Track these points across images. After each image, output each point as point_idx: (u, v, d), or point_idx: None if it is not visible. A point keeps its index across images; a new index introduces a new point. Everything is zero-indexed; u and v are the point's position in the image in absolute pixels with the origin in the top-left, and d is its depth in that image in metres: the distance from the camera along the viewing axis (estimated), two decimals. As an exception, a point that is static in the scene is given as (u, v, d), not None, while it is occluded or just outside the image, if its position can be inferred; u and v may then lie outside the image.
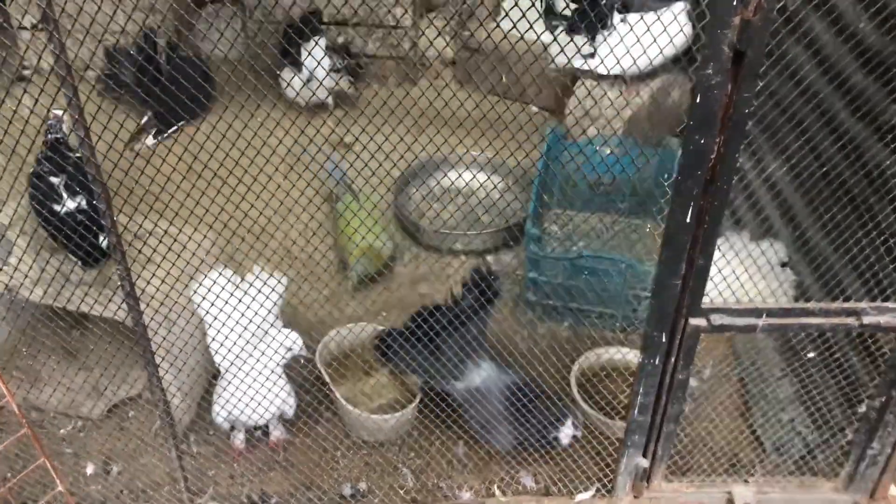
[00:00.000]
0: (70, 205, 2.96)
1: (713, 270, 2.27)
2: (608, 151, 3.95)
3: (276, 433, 3.11)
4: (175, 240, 2.34)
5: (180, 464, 2.77)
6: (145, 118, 4.71)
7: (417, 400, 3.09)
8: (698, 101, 1.90)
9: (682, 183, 2.06)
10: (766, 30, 1.78)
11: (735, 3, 1.74)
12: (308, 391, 3.22)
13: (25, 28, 5.03)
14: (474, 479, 3.02)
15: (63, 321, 2.88)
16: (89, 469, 3.07)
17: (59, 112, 3.36)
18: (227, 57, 4.88)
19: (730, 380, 3.33)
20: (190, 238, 2.46)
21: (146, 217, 2.28)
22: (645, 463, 2.79)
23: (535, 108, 4.94)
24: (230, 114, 2.26)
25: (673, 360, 2.48)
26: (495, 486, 2.98)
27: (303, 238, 2.46)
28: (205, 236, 2.78)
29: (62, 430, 3.20)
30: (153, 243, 2.34)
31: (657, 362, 2.50)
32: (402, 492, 2.98)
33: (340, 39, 5.07)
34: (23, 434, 2.36)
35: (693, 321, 2.36)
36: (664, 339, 2.44)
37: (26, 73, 5.00)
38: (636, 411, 2.65)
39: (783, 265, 3.36)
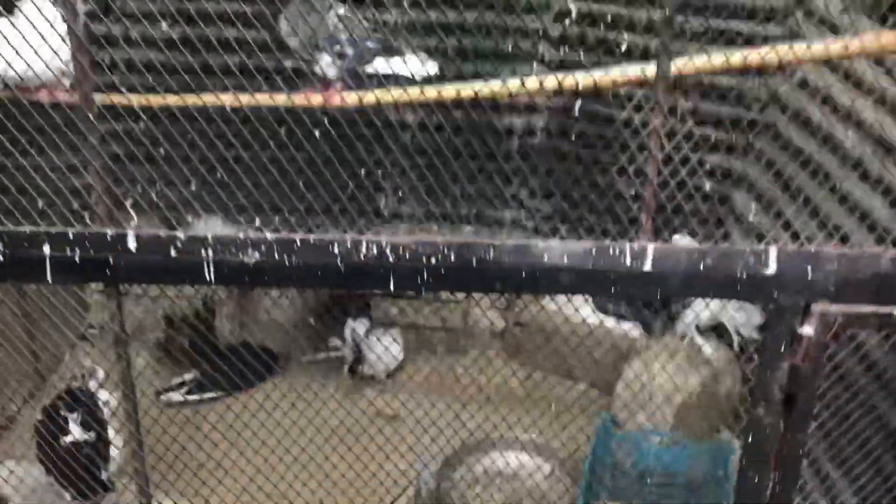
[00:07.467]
0: (78, 436, 3.00)
1: None
2: (658, 441, 3.86)
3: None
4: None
5: None
6: (189, 375, 4.80)
7: None
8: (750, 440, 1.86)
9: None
10: (817, 375, 1.77)
11: (783, 349, 1.75)
12: None
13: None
14: None
15: None
16: None
17: (99, 371, 3.46)
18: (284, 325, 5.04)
19: None
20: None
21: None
22: None
23: (582, 386, 4.90)
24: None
25: None
26: None
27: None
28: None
29: None
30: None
31: None
32: None
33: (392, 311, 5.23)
34: None
35: None
36: None
37: (92, 331, 5.20)
38: None
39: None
